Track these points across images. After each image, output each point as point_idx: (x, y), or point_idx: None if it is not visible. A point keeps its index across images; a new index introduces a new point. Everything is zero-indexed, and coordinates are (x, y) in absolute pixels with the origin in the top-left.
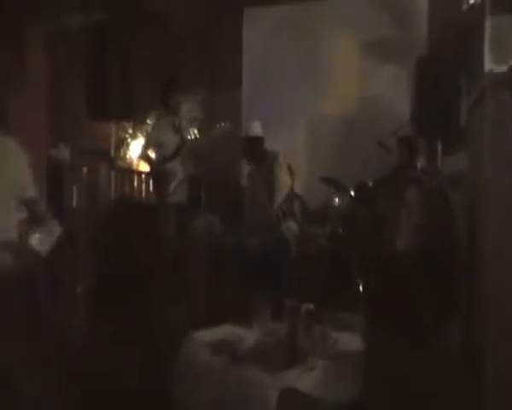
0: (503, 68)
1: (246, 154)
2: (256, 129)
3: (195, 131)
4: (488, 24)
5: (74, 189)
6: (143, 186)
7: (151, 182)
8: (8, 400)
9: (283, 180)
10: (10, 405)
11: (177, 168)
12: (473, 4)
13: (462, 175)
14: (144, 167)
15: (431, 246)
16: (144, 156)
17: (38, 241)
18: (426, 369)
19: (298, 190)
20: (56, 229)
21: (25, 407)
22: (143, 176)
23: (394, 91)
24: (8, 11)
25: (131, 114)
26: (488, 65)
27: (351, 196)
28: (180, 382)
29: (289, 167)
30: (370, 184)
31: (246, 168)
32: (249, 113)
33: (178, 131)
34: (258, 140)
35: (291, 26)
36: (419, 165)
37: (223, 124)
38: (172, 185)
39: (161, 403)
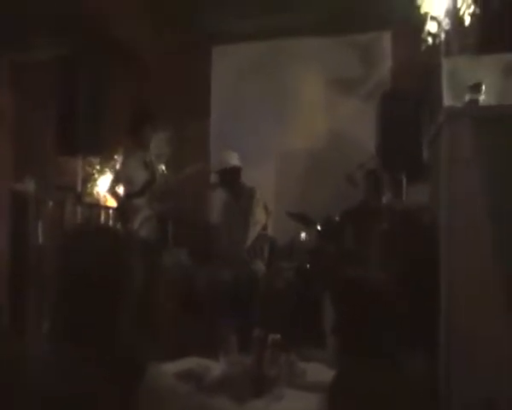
0: (458, 104)
1: (222, 183)
2: (234, 159)
3: (163, 167)
4: (444, 64)
5: (39, 223)
6: (110, 222)
7: (117, 217)
8: None
9: (258, 217)
10: None
11: (142, 204)
12: (431, 45)
13: (424, 206)
14: (111, 203)
15: (401, 274)
16: (112, 191)
17: None
18: (394, 397)
19: (270, 227)
20: None
21: None
22: (110, 211)
23: (360, 126)
24: None
25: (99, 150)
26: (446, 102)
27: (318, 230)
28: (145, 406)
29: (266, 206)
30: (337, 218)
31: (215, 203)
32: (217, 147)
33: (149, 167)
34: (236, 170)
35: (260, 63)
36: (384, 198)
37: (192, 165)
38: (137, 222)
39: None
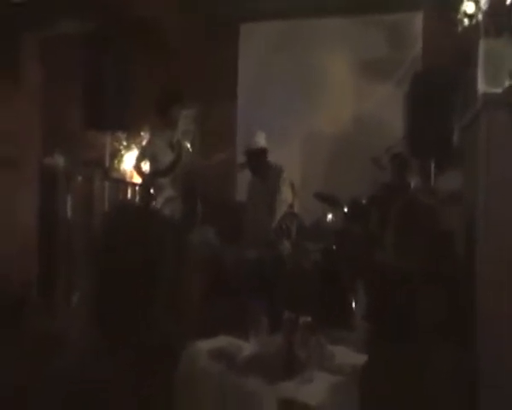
0: (497, 90)
1: (249, 165)
2: (260, 140)
3: (188, 145)
4: (482, 46)
5: (68, 198)
6: (137, 198)
7: (142, 195)
8: None
9: (285, 196)
10: None
11: (166, 184)
12: (467, 27)
13: (455, 194)
14: (137, 179)
15: (424, 263)
16: (137, 168)
17: None
18: (422, 381)
19: (296, 208)
20: None
21: None
22: (137, 188)
23: (388, 109)
24: (2, 17)
25: (126, 126)
26: (481, 86)
27: (344, 212)
28: (180, 387)
29: (292, 184)
30: (364, 201)
31: (242, 182)
32: (244, 127)
33: (175, 147)
34: (262, 151)
35: (287, 43)
36: (412, 183)
37: (219, 153)
38: (160, 201)
39: (163, 407)
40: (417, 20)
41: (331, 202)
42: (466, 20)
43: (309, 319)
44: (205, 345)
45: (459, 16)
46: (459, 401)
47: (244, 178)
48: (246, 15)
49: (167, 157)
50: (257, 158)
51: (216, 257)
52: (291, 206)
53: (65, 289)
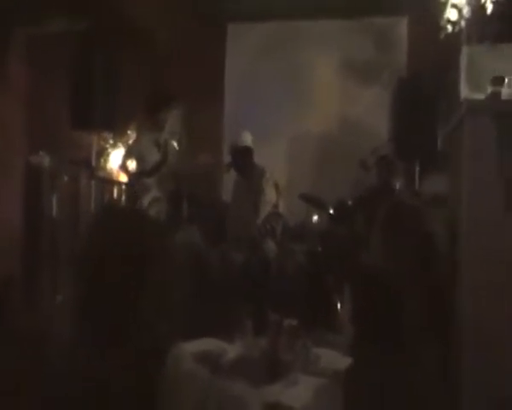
0: (480, 96)
1: (234, 164)
2: (246, 139)
3: (175, 144)
4: (464, 52)
5: (54, 197)
6: (123, 197)
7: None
8: None
9: (269, 196)
10: None
11: (152, 185)
12: (450, 33)
13: (440, 196)
14: (124, 178)
15: (409, 264)
16: (123, 167)
17: None
18: (407, 382)
19: (281, 208)
20: None
21: None
22: (123, 187)
23: (374, 112)
24: None
25: (113, 125)
26: (464, 92)
27: (329, 214)
28: (164, 390)
29: (276, 185)
30: (349, 202)
31: (228, 180)
32: (231, 127)
33: (161, 147)
34: (248, 151)
35: (275, 44)
36: (397, 185)
37: (204, 155)
38: (146, 201)
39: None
40: (402, 25)
41: (316, 203)
42: (449, 27)
43: (294, 322)
44: (189, 347)
45: (442, 23)
46: (444, 401)
47: (230, 178)
48: (233, 16)
49: (154, 156)
50: (242, 157)
51: (201, 258)
52: (275, 206)
53: (49, 289)
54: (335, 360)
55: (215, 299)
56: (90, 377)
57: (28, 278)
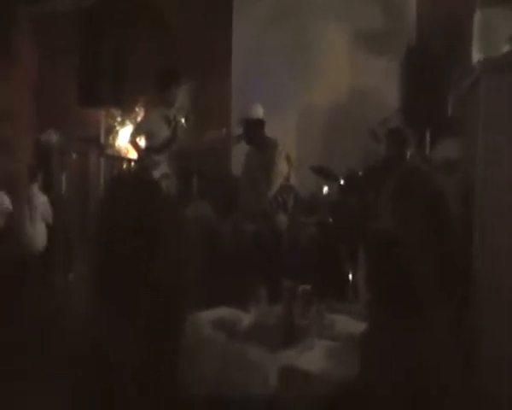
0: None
1: (245, 135)
2: (258, 111)
3: (183, 120)
4: (478, 14)
5: (63, 175)
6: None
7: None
8: None
9: (281, 168)
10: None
11: (161, 161)
12: None
13: (451, 162)
14: (132, 155)
15: (422, 229)
16: (133, 143)
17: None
18: (422, 348)
19: (293, 181)
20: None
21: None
22: (132, 164)
23: (384, 81)
24: None
25: (121, 101)
26: (477, 55)
27: (340, 184)
28: (184, 357)
29: (288, 157)
30: (360, 173)
31: (237, 153)
32: (239, 101)
33: (170, 124)
34: (259, 123)
35: (281, 16)
36: (408, 154)
37: (213, 131)
38: (155, 176)
39: (166, 376)
40: None
41: (326, 174)
42: None
43: (308, 287)
44: (206, 316)
45: None
46: (459, 364)
47: (239, 151)
48: None
49: (163, 132)
50: (254, 129)
51: (213, 231)
52: (287, 178)
53: (63, 265)
54: (350, 324)
55: (228, 270)
56: (107, 351)
57: (39, 257)
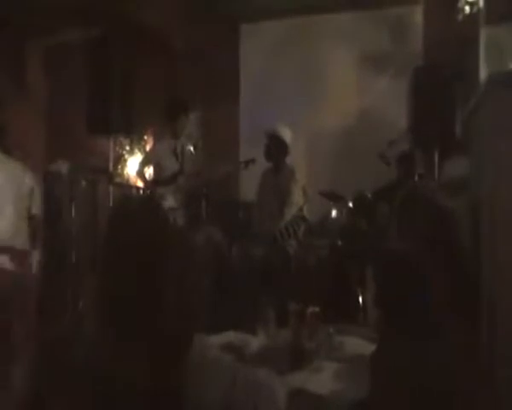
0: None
1: (268, 151)
2: (286, 134)
3: (191, 149)
4: (484, 33)
5: (73, 204)
6: None
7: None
8: None
9: (296, 199)
10: None
11: (168, 194)
12: (468, 15)
13: (458, 181)
14: (141, 184)
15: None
16: (140, 174)
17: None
18: (435, 366)
19: (306, 212)
20: None
21: None
22: (141, 192)
23: (391, 103)
24: (6, 27)
25: (129, 130)
26: (484, 72)
27: (349, 207)
28: (191, 380)
29: (304, 188)
30: (369, 195)
31: (246, 179)
32: (247, 128)
33: (178, 156)
34: (284, 145)
35: (288, 40)
36: (417, 175)
37: (223, 167)
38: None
39: (172, 401)
40: (417, 14)
41: (336, 198)
42: (467, 8)
43: (316, 309)
44: (215, 339)
45: (460, 4)
46: (474, 386)
47: (248, 175)
48: (246, 15)
49: (170, 166)
50: (277, 148)
51: (222, 255)
52: (301, 209)
53: (70, 294)
54: (359, 346)
55: (237, 293)
56: (115, 372)
57: (48, 285)
